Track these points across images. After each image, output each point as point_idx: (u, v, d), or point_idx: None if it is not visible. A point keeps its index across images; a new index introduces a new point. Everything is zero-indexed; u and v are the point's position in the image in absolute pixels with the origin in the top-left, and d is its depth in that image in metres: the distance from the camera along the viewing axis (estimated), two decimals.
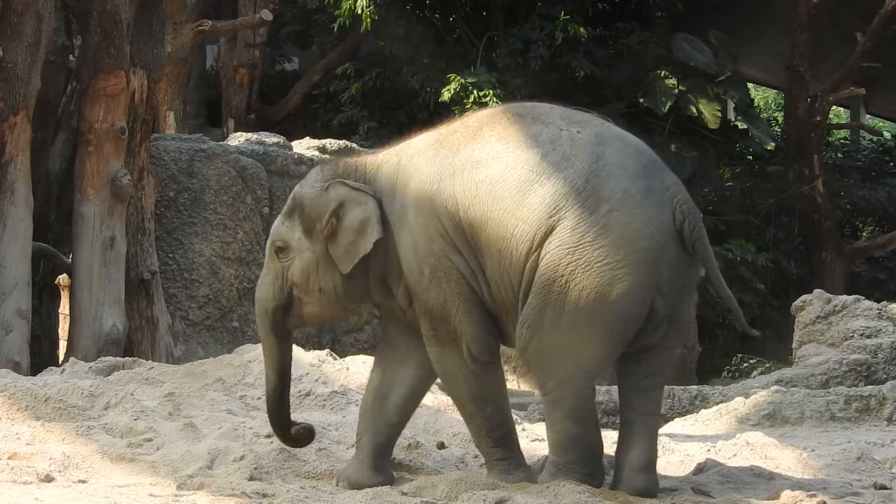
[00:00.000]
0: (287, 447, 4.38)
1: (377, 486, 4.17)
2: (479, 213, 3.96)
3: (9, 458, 4.18)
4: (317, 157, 10.13)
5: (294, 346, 6.32)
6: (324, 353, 6.31)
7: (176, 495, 3.97)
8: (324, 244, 4.14)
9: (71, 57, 9.51)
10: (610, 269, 3.84)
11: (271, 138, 10.48)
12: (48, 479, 4.02)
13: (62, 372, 6.17)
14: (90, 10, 8.82)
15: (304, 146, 10.70)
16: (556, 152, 3.95)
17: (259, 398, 5.47)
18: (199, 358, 7.56)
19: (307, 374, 5.85)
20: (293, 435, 4.32)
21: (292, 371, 5.66)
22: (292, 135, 11.89)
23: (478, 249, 3.99)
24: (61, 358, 8.52)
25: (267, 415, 4.36)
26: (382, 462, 4.29)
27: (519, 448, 4.31)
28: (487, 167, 3.98)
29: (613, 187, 3.89)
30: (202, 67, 16.51)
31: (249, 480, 4.20)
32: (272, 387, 4.30)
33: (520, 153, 3.97)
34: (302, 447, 4.40)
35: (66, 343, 8.78)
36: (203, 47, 16.19)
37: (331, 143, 10.87)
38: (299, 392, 5.60)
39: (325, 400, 5.59)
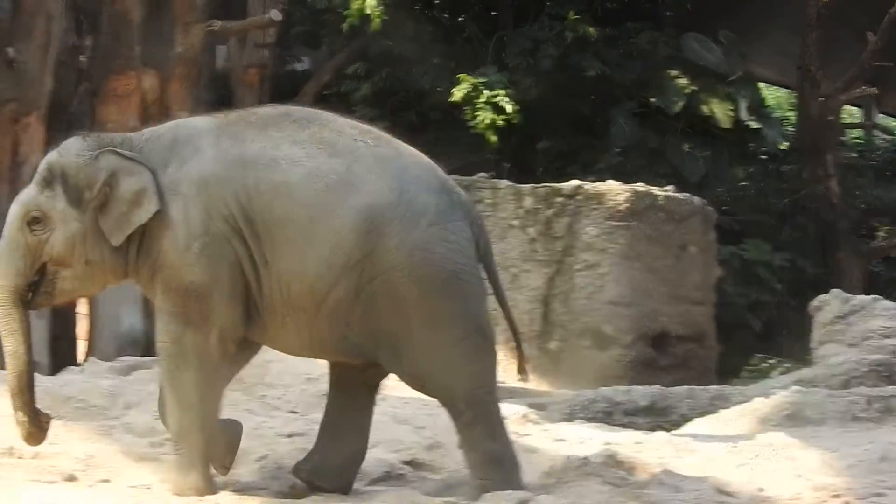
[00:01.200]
0: (32, 436, 4.02)
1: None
2: (278, 212, 3.85)
3: (32, 458, 4.18)
4: None
5: None
6: None
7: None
8: (93, 214, 3.96)
9: (81, 57, 9.51)
10: (455, 281, 3.87)
11: None
12: (72, 478, 4.01)
13: (82, 372, 6.15)
14: (100, 10, 8.82)
15: None
16: (361, 164, 3.90)
17: (280, 398, 5.45)
18: None
19: (326, 373, 5.80)
20: (39, 418, 4.03)
21: (312, 371, 5.63)
22: None
23: (270, 244, 3.86)
24: (80, 358, 8.51)
25: (15, 398, 4.00)
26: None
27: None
28: (287, 170, 3.86)
29: (426, 201, 3.89)
30: (213, 68, 16.51)
31: (272, 479, 4.18)
32: (22, 364, 3.98)
33: (321, 160, 3.88)
34: (43, 438, 4.07)
35: (85, 343, 8.77)
36: (213, 47, 16.18)
37: None
38: (319, 392, 5.56)
39: None
